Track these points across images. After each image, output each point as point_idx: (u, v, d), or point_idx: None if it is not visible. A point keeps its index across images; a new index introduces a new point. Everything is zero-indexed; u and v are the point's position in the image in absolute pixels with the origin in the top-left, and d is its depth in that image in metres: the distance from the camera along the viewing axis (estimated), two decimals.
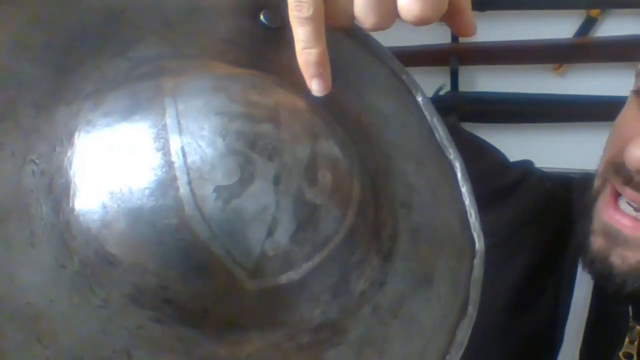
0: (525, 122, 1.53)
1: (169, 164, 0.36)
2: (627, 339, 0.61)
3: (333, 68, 0.48)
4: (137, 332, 0.36)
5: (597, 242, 0.60)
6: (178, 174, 0.36)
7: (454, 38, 1.59)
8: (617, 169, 0.59)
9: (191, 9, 0.45)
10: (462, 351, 0.42)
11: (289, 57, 0.46)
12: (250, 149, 0.37)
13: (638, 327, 0.61)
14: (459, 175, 0.48)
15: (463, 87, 1.64)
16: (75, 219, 0.37)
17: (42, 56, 0.40)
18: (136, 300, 0.36)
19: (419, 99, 0.49)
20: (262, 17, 0.46)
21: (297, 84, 0.45)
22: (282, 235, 0.37)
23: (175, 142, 0.37)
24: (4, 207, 0.36)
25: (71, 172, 0.37)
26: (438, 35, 1.59)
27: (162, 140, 0.37)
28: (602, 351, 0.63)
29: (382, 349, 0.40)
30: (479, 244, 0.45)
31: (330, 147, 0.40)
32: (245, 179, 0.37)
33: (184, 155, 0.37)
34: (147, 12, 0.43)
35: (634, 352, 0.61)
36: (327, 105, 0.45)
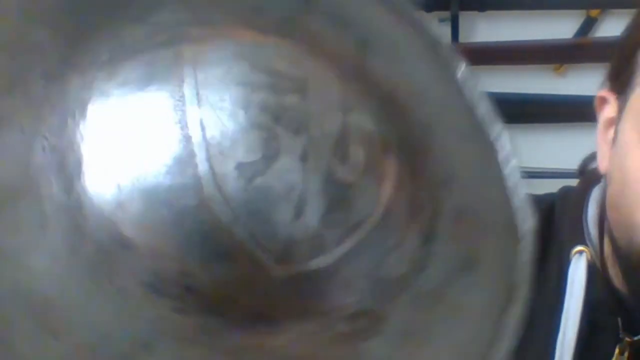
0: (525, 122, 1.49)
1: (187, 139, 0.33)
2: (617, 350, 0.60)
3: (367, 38, 0.44)
4: (156, 324, 0.33)
5: None
6: (196, 149, 0.33)
7: (454, 38, 1.55)
8: None
9: None
10: (511, 341, 0.38)
11: (321, 25, 0.43)
12: (275, 123, 0.34)
13: (627, 338, 0.60)
14: (504, 151, 0.44)
15: None
16: (88, 200, 0.34)
17: (56, 20, 0.37)
18: (155, 288, 0.33)
19: (459, 73, 0.45)
20: None
21: (330, 53, 0.41)
22: (312, 216, 0.34)
23: (193, 114, 0.34)
24: (12, 187, 0.34)
25: (83, 148, 0.35)
26: None
27: (179, 112, 0.34)
28: None
29: (425, 338, 0.37)
30: (527, 224, 0.42)
31: (363, 121, 0.37)
32: (270, 155, 0.33)
33: (203, 129, 0.34)
34: None
35: None
36: (361, 76, 0.42)
